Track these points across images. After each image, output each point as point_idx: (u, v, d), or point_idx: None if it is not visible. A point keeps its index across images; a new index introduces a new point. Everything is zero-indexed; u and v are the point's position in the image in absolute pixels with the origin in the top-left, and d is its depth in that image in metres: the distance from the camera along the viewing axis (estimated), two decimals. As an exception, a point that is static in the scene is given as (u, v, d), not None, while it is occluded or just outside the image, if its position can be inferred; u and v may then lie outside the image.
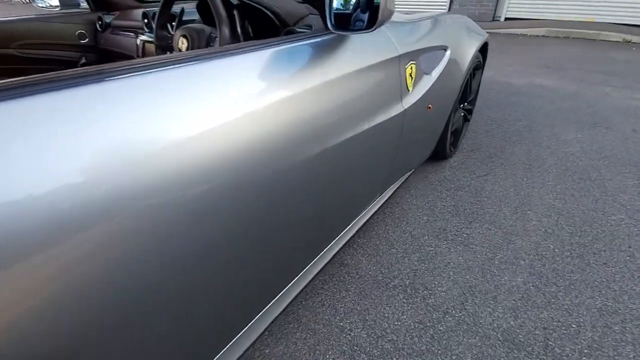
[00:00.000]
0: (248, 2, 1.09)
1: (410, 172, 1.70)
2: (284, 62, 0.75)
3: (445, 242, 1.51)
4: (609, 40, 5.40)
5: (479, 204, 1.74)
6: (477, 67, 2.02)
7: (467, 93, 1.99)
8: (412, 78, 1.23)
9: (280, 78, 0.72)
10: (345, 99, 0.91)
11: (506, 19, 6.38)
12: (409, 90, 1.24)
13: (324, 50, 0.87)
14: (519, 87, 3.38)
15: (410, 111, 1.24)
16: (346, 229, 1.28)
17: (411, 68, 1.21)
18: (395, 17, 1.35)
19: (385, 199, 1.52)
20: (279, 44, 0.77)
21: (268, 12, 1.11)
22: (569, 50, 4.86)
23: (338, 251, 1.27)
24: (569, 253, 1.42)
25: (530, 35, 5.86)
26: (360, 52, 0.98)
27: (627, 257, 1.39)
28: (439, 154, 2.02)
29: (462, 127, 2.14)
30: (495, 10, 6.42)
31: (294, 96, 0.73)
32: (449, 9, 6.65)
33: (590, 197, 1.76)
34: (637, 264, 1.35)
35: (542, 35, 5.79)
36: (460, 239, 1.53)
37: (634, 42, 5.25)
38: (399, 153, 1.35)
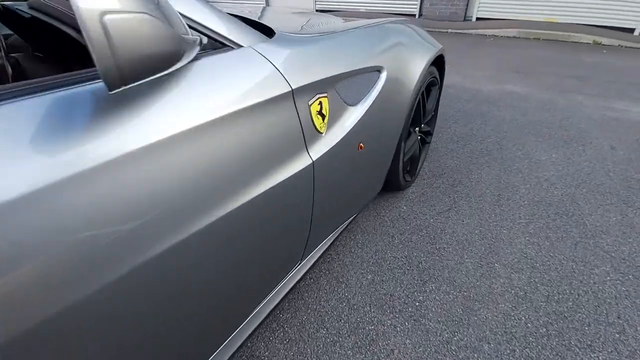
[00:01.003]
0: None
1: (353, 217, 1.35)
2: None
3: (392, 315, 1.17)
4: (580, 42, 5.25)
5: (437, 254, 1.42)
6: (433, 83, 1.69)
7: (422, 114, 1.66)
8: (323, 116, 0.88)
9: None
10: (177, 174, 0.55)
11: (477, 18, 6.17)
12: (320, 133, 0.88)
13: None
14: (489, 94, 3.11)
15: (324, 160, 0.89)
16: (257, 309, 0.94)
17: (320, 104, 0.86)
18: (292, 29, 1.00)
19: (320, 254, 1.17)
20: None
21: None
22: (540, 52, 4.66)
23: (248, 336, 0.92)
24: (544, 329, 1.11)
25: (502, 36, 5.66)
26: (203, 97, 0.61)
27: (617, 335, 1.08)
28: (392, 186, 1.68)
29: (420, 152, 1.82)
30: (467, 9, 6.20)
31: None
32: (420, 8, 6.39)
33: (569, 240, 1.46)
34: (630, 347, 1.05)
35: (514, 37, 5.60)
36: (410, 309, 1.19)
37: (604, 44, 5.12)
38: (321, 208, 1.00)
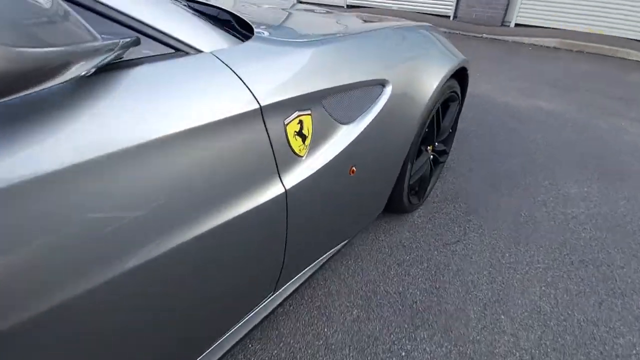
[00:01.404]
0: None
1: (343, 243, 1.20)
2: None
3: (372, 366, 1.02)
4: (628, 59, 4.83)
5: (435, 294, 1.25)
6: (452, 98, 1.50)
7: (435, 132, 1.47)
8: (304, 137, 0.73)
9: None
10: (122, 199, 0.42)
11: (516, 24, 5.79)
12: (299, 157, 0.73)
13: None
14: (519, 109, 2.85)
15: (303, 188, 0.74)
16: (221, 339, 0.83)
17: (300, 123, 0.71)
18: (283, 30, 0.85)
19: (300, 283, 1.03)
20: None
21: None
22: (582, 67, 4.30)
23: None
24: (552, 410, 0.93)
25: (541, 46, 5.28)
26: (138, 113, 0.48)
27: None
28: (395, 209, 1.51)
29: (432, 173, 1.63)
30: (505, 14, 5.82)
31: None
32: (456, 10, 6.05)
33: (592, 297, 1.26)
34: None
35: (554, 47, 5.22)
36: (395, 361, 1.04)
37: (656, 63, 4.68)
38: (297, 239, 0.85)
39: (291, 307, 1.18)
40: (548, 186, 1.88)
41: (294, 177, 0.73)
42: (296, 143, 0.71)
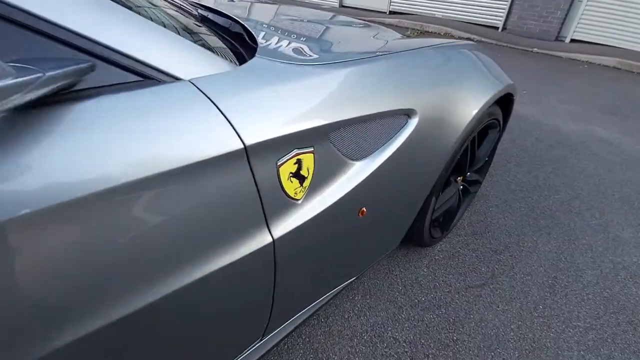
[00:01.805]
0: None
1: (350, 280, 1.08)
2: None
3: None
4: (703, 83, 4.30)
5: (451, 348, 1.10)
6: (491, 125, 1.34)
7: (468, 162, 1.31)
8: (302, 179, 0.63)
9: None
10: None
11: (572, 40, 5.37)
12: (295, 201, 0.63)
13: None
14: (568, 136, 2.59)
15: (297, 236, 0.65)
16: None
17: (298, 163, 0.61)
18: (296, 48, 0.76)
19: (295, 325, 0.93)
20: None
21: None
22: (646, 90, 3.88)
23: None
24: None
25: (598, 65, 4.84)
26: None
27: None
28: (414, 241, 1.37)
29: (460, 204, 1.47)
30: (561, 28, 5.41)
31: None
32: (505, 22, 5.71)
33: (644, 374, 1.06)
34: None
35: (613, 67, 4.76)
36: None
37: None
38: (287, 288, 0.75)
39: (285, 346, 1.08)
40: (596, 227, 1.66)
41: (286, 224, 0.63)
42: (291, 186, 0.61)
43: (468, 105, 1.03)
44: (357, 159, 0.75)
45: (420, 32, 5.67)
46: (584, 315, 1.23)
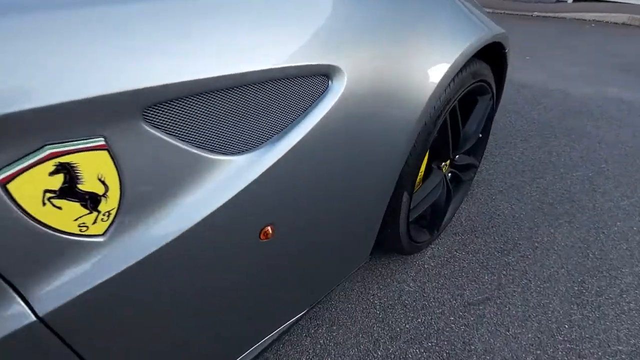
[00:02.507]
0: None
1: (295, 318, 0.78)
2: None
3: None
4: None
5: (445, 400, 0.79)
6: (480, 91, 1.01)
7: (450, 143, 0.98)
8: (91, 200, 0.33)
9: None
10: None
11: (575, 0, 4.92)
12: (89, 238, 0.33)
13: None
14: (582, 100, 2.22)
15: (98, 296, 0.34)
16: None
17: (67, 171, 0.30)
18: None
19: None
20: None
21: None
22: (665, 44, 3.45)
23: None
24: None
25: (607, 22, 4.39)
26: None
27: None
28: (392, 249, 1.06)
29: (450, 197, 1.14)
30: (563, -12, 4.96)
31: None
32: (501, -12, 5.27)
33: None
34: None
35: (622, 23, 4.31)
36: None
37: None
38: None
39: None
40: (628, 209, 1.32)
41: (76, 282, 0.33)
42: (62, 215, 0.31)
43: (434, 60, 0.71)
44: (233, 154, 0.45)
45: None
46: (626, 334, 0.91)
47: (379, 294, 1.04)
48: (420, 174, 0.98)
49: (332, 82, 0.54)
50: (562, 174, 1.53)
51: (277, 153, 0.49)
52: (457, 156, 1.09)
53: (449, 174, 1.11)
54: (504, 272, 1.09)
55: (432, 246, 1.20)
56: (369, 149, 0.64)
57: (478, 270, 1.11)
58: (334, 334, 0.94)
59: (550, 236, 1.22)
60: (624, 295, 1.00)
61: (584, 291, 1.02)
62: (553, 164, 1.60)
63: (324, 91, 0.53)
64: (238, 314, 0.59)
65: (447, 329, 0.94)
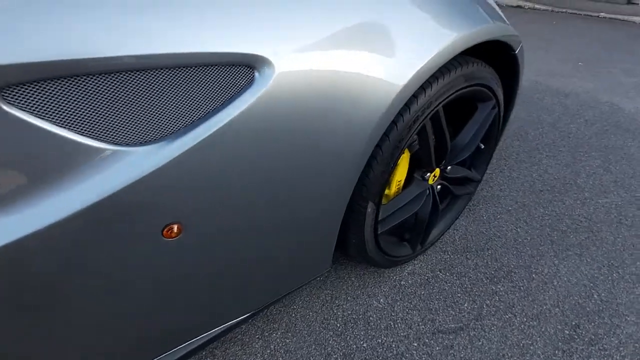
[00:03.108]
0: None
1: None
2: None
3: None
4: None
5: None
6: (476, 96, 0.90)
7: (431, 154, 0.88)
8: None
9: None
10: None
11: (656, 1, 4.33)
12: None
13: None
14: (632, 117, 1.95)
15: None
16: None
17: None
18: None
19: None
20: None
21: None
22: None
23: None
24: None
25: (693, 29, 3.84)
26: None
27: None
28: (360, 259, 0.99)
29: (438, 212, 1.04)
30: (641, -13, 4.39)
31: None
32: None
33: None
34: None
35: None
36: None
37: None
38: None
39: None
40: (657, 250, 1.14)
41: None
42: None
43: (403, 54, 0.63)
44: (127, 143, 0.42)
45: None
46: (616, 394, 0.79)
47: (344, 306, 0.99)
48: (398, 181, 0.90)
49: (257, 73, 0.49)
50: (585, 199, 1.36)
51: (181, 147, 0.45)
52: (448, 167, 0.99)
53: (439, 186, 1.01)
54: (488, 302, 0.99)
55: (415, 262, 1.11)
56: (309, 152, 0.58)
57: (459, 295, 1.01)
58: (287, 341, 0.91)
59: (552, 268, 1.08)
60: (621, 349, 0.86)
61: (576, 337, 0.90)
62: (578, 187, 1.42)
63: (246, 84, 0.48)
64: (147, 313, 0.57)
65: (407, 355, 0.87)
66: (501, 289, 1.03)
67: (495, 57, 0.91)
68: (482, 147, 1.06)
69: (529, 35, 3.42)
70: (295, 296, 1.01)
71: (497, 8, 0.91)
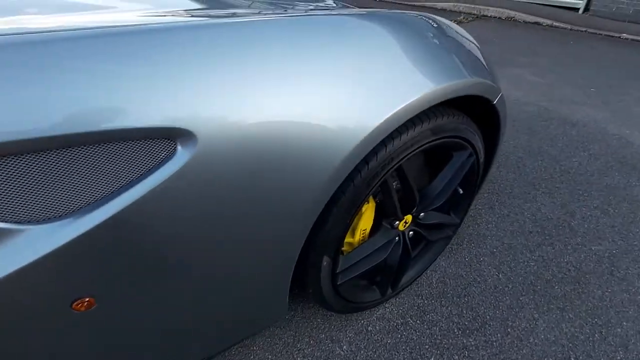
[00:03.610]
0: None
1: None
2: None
3: None
4: None
5: None
6: (452, 146, 0.86)
7: (395, 204, 0.84)
8: None
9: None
10: None
11: (684, 23, 4.15)
12: None
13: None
14: (643, 153, 1.87)
15: None
16: None
17: None
18: None
19: None
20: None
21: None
22: None
23: None
24: None
25: None
26: None
27: None
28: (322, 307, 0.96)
29: (409, 258, 1.00)
30: (669, 8, 4.21)
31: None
32: (589, 1, 4.61)
33: None
34: None
35: None
36: None
37: None
38: None
39: None
40: (647, 310, 1.07)
41: None
42: None
43: (355, 111, 0.60)
44: (27, 221, 0.40)
45: (477, 17, 4.86)
46: None
47: (305, 350, 0.96)
48: (363, 230, 0.87)
49: (179, 145, 0.46)
50: (577, 245, 1.29)
51: (92, 222, 0.43)
52: (421, 214, 0.95)
53: (411, 232, 0.97)
54: (456, 357, 0.94)
55: (386, 305, 1.07)
56: (242, 218, 0.56)
57: (427, 347, 0.97)
58: (242, 386, 0.88)
59: (531, 322, 1.03)
60: None
61: (544, 406, 0.85)
62: (571, 230, 1.36)
63: (166, 156, 0.46)
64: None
65: (362, 412, 0.83)
66: (472, 343, 0.98)
67: (475, 104, 0.87)
68: (461, 192, 1.01)
69: (543, 56, 3.32)
70: (258, 336, 0.98)
71: (480, 57, 0.87)
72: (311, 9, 0.86)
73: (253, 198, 0.55)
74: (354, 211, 0.72)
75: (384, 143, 0.69)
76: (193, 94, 0.46)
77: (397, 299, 1.09)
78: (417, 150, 0.75)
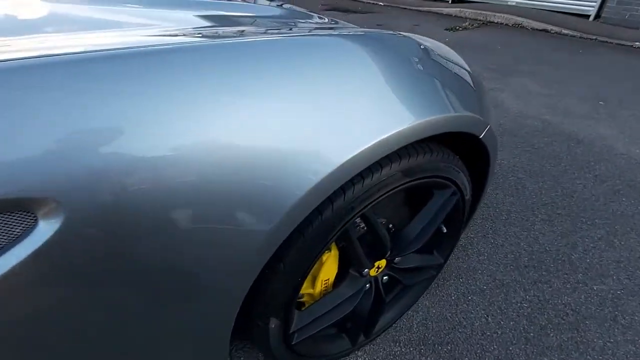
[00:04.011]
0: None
1: None
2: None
3: None
4: None
5: None
6: (432, 185, 0.75)
7: (362, 256, 0.73)
8: None
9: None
10: None
11: (700, 32, 3.97)
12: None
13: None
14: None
15: None
16: None
17: None
18: None
19: None
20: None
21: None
22: None
23: None
24: None
25: None
26: None
27: None
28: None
29: (382, 304, 0.89)
30: (684, 16, 4.04)
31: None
32: (600, 8, 4.44)
33: None
34: None
35: None
36: None
37: None
38: None
39: None
40: (654, 367, 0.94)
41: None
42: None
43: (307, 149, 0.49)
44: None
45: (483, 23, 4.70)
46: None
47: (262, 407, 0.85)
48: (324, 280, 0.76)
49: (40, 218, 0.36)
50: (577, 283, 1.17)
51: None
52: (397, 259, 0.83)
53: (385, 277, 0.86)
54: (432, 421, 0.83)
55: (359, 353, 0.96)
56: (145, 298, 0.45)
57: (400, 406, 0.85)
58: None
59: (520, 378, 0.91)
60: None
61: None
62: (572, 265, 1.23)
63: (24, 230, 0.36)
64: None
65: None
66: (452, 403, 0.86)
67: (460, 137, 0.75)
68: (445, 230, 0.89)
69: (549, 65, 3.18)
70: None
71: (469, 84, 0.76)
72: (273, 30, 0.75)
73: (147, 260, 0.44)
74: (308, 266, 0.61)
75: (342, 189, 0.58)
76: (57, 156, 0.35)
77: (372, 345, 0.97)
78: (386, 195, 0.63)
